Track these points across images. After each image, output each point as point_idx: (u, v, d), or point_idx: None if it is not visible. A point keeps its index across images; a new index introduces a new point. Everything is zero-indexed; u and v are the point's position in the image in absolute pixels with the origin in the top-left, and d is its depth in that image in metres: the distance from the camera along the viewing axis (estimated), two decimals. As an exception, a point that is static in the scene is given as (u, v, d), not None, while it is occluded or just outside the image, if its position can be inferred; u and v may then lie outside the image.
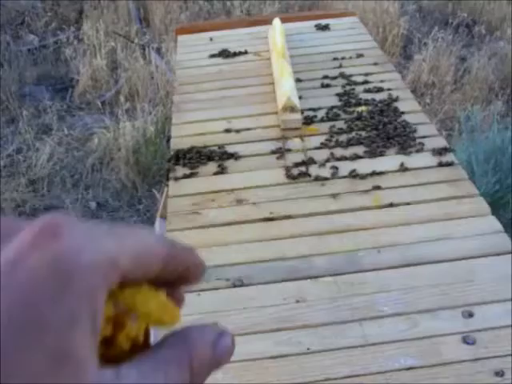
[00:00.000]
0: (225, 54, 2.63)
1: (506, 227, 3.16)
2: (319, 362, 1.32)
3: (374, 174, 1.85)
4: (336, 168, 1.89)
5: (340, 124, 2.10)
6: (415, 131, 2.02)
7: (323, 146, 2.00)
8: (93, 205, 3.83)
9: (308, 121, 2.13)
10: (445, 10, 5.95)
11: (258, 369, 1.32)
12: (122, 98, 4.57)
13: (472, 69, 4.95)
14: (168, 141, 2.33)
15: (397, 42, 5.37)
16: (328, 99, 2.24)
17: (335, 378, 1.29)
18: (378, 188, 1.79)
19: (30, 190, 3.88)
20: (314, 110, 2.18)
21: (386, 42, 5.32)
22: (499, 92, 4.78)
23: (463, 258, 1.54)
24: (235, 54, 2.63)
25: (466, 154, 3.59)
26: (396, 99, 2.21)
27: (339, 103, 2.22)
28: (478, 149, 3.60)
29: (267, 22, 2.77)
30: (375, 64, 2.45)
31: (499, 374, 1.26)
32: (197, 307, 1.47)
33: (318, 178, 1.85)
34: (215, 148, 2.02)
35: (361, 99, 2.22)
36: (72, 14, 5.65)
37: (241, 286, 1.52)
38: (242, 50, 2.65)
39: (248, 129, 2.11)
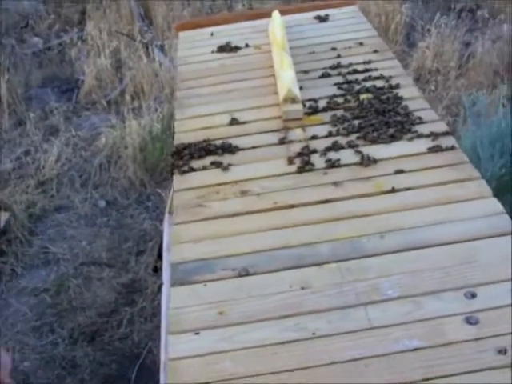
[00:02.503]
0: (226, 48, 2.65)
1: (512, 211, 3.15)
2: (326, 347, 1.35)
3: (375, 160, 1.87)
4: (338, 156, 1.91)
5: (341, 113, 2.12)
6: (415, 117, 2.03)
7: (325, 135, 2.02)
8: (102, 203, 3.87)
9: (310, 111, 2.15)
10: (447, -5, 5.92)
11: (265, 355, 1.35)
12: (127, 97, 4.61)
13: (476, 53, 4.94)
14: (174, 137, 2.36)
15: (400, 30, 5.36)
16: (329, 89, 2.26)
17: (342, 362, 1.31)
18: (379, 174, 1.81)
19: (40, 192, 3.92)
20: (315, 100, 2.19)
21: (389, 30, 5.31)
22: (504, 76, 4.76)
23: (465, 240, 1.55)
24: (236, 48, 2.64)
25: (471, 138, 3.59)
26: (396, 86, 2.22)
27: (340, 92, 2.23)
28: (484, 133, 3.60)
29: (267, 15, 2.79)
30: (375, 52, 2.46)
31: (502, 351, 1.27)
32: (203, 297, 1.49)
33: (320, 167, 1.87)
34: (218, 141, 2.04)
35: (362, 87, 2.24)
36: (75, 15, 5.69)
37: (246, 275, 1.54)
38: (243, 43, 2.66)
39: (250, 121, 2.13)
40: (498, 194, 1.74)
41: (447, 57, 4.93)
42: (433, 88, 4.76)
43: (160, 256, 2.88)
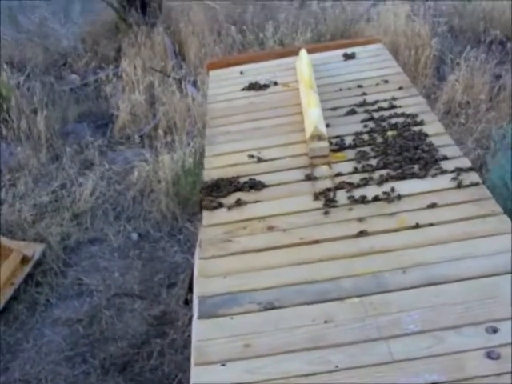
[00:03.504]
0: (255, 86, 2.73)
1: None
2: (347, 380, 1.38)
3: (399, 196, 1.91)
4: (363, 193, 1.95)
5: (367, 150, 2.17)
6: (440, 153, 2.07)
7: (350, 171, 2.07)
8: (134, 236, 3.95)
9: (336, 148, 2.20)
10: (477, 28, 5.95)
11: (289, 387, 1.39)
12: (160, 132, 4.72)
13: (507, 86, 4.95)
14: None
15: (429, 64, 5.40)
16: (355, 126, 2.31)
17: (363, 395, 1.34)
18: (403, 210, 1.85)
19: (75, 224, 4.03)
20: (341, 137, 2.25)
21: (419, 64, 5.35)
22: (535, 108, 4.76)
23: (487, 276, 1.58)
24: (265, 86, 2.72)
25: (501, 172, 3.59)
26: (421, 123, 2.26)
27: (366, 129, 2.28)
28: (513, 167, 3.59)
29: (295, 53, 2.86)
30: (400, 89, 2.51)
31: (522, 387, 1.29)
32: (230, 330, 1.54)
33: (345, 203, 1.92)
34: (246, 178, 2.10)
35: (387, 124, 2.29)
36: (111, 52, 5.87)
37: (272, 308, 1.59)
38: (272, 81, 2.74)
39: (277, 158, 2.20)
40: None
41: (477, 89, 4.95)
42: (463, 121, 4.77)
43: (191, 288, 2.94)
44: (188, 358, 2.65)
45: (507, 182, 3.49)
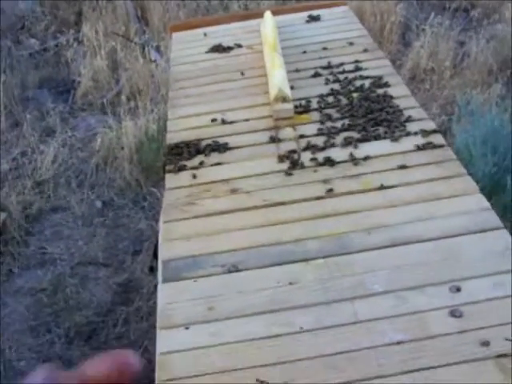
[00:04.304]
0: (218, 48, 2.67)
1: (505, 209, 3.18)
2: (312, 341, 1.37)
3: (364, 158, 1.89)
4: (327, 155, 1.93)
5: (331, 112, 2.14)
6: (405, 115, 2.06)
7: (315, 133, 2.04)
8: (98, 204, 3.89)
9: (300, 110, 2.17)
10: (442, -5, 5.94)
11: (253, 349, 1.37)
12: (123, 98, 4.62)
13: (471, 53, 4.96)
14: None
15: (395, 30, 5.38)
16: (319, 88, 2.29)
17: (327, 355, 1.34)
18: (367, 172, 1.83)
19: (36, 192, 3.94)
20: (305, 99, 2.22)
21: (384, 30, 5.33)
22: (498, 75, 4.78)
23: (451, 236, 1.58)
24: (229, 48, 2.67)
25: (465, 137, 3.61)
26: (386, 85, 2.24)
27: (331, 91, 2.26)
28: (477, 132, 3.62)
29: (260, 15, 2.81)
30: (365, 51, 2.48)
31: (485, 344, 1.30)
32: (194, 293, 1.52)
33: (309, 165, 1.90)
34: (209, 140, 2.07)
35: (352, 86, 2.26)
36: (71, 16, 5.70)
37: (236, 271, 1.57)
38: (236, 44, 2.69)
39: (241, 120, 2.16)
40: (490, 191, 1.77)
41: (442, 56, 4.95)
42: (428, 87, 4.78)
43: (156, 255, 2.91)
44: (154, 326, 2.64)
45: (470, 147, 3.52)
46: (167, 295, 1.54)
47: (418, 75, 4.91)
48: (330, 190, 1.78)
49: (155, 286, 2.86)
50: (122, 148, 4.10)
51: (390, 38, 5.31)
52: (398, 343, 1.33)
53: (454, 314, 1.38)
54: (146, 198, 3.91)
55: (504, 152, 3.43)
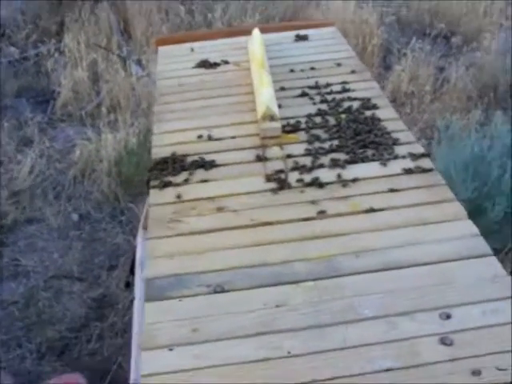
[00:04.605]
0: (205, 64, 2.65)
1: (485, 233, 3.18)
2: (301, 366, 1.34)
3: (352, 180, 1.88)
4: (315, 175, 1.91)
5: (319, 132, 2.13)
6: (393, 138, 2.05)
7: (302, 153, 2.02)
8: (75, 217, 3.82)
9: (288, 129, 2.15)
10: (423, 21, 6.01)
11: (238, 373, 1.33)
12: (103, 110, 4.58)
13: (450, 78, 5.02)
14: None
15: (376, 52, 5.42)
16: (307, 108, 2.27)
17: (316, 381, 1.30)
18: (356, 194, 1.82)
19: (12, 203, 3.87)
20: (293, 118, 2.20)
21: (366, 52, 5.37)
22: (478, 101, 4.84)
23: (441, 262, 1.56)
24: (215, 65, 2.65)
25: (445, 161, 3.63)
26: (374, 107, 2.24)
27: (318, 112, 2.24)
28: (457, 157, 3.64)
29: (247, 32, 2.80)
30: (353, 72, 2.48)
31: (476, 373, 1.28)
32: (177, 313, 1.48)
33: (297, 186, 1.87)
34: (196, 156, 2.03)
35: (339, 108, 2.25)
36: (53, 26, 5.65)
37: (222, 291, 1.53)
38: (223, 60, 2.67)
39: (228, 137, 2.13)
40: (470, 217, 1.77)
41: (422, 80, 5.00)
42: (408, 111, 4.82)
43: (132, 271, 2.85)
44: (128, 342, 2.58)
45: (451, 171, 3.53)
46: (151, 314, 1.49)
47: (399, 98, 4.95)
48: (322, 212, 1.75)
49: (131, 302, 2.82)
50: (101, 161, 4.05)
51: (372, 61, 5.34)
52: (388, 370, 1.31)
53: (445, 341, 1.35)
54: (123, 212, 3.86)
55: (484, 178, 3.46)
